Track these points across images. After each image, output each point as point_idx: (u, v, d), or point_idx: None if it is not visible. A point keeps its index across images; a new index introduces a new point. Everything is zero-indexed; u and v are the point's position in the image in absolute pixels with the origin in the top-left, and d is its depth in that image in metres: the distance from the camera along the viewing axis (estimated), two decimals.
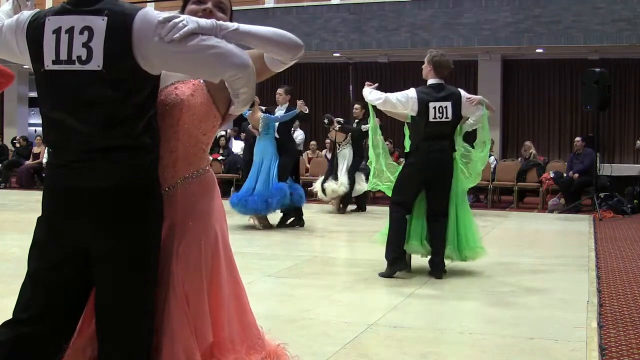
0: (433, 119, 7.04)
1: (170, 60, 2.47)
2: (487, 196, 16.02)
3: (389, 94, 7.20)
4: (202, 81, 2.73)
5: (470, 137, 7.73)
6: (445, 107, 7.07)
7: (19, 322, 2.54)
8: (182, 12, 2.76)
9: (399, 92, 7.25)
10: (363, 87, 7.51)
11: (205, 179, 2.83)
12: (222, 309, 2.77)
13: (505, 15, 16.66)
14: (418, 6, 17.26)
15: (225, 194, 17.46)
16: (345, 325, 5.20)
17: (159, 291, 2.63)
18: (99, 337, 2.57)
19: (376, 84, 7.45)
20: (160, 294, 2.63)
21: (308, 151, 17.47)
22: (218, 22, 2.51)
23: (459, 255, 7.15)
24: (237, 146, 18.44)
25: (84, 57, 2.43)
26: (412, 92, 7.13)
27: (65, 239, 2.54)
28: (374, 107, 7.45)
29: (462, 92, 7.30)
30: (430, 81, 7.20)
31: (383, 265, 7.04)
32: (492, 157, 15.85)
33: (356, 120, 13.74)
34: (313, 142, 17.74)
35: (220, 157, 18.11)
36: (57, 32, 2.46)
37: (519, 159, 16.96)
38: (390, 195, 7.50)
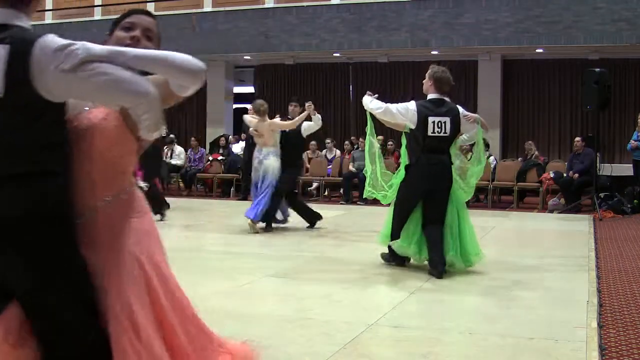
0: (432, 133, 7.17)
1: (66, 87, 2.42)
2: (487, 196, 16.01)
3: (389, 104, 7.33)
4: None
5: None
6: (445, 122, 7.20)
7: None
8: (110, 36, 2.76)
9: (399, 104, 7.38)
10: (364, 92, 7.68)
11: (126, 201, 2.79)
12: (168, 324, 2.73)
13: (505, 16, 16.66)
14: (418, 6, 17.25)
15: (225, 194, 17.52)
16: (345, 325, 5.20)
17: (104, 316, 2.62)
18: None
19: (376, 95, 7.58)
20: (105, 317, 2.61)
21: (308, 151, 17.47)
22: (118, 48, 2.49)
23: (463, 262, 7.23)
24: (238, 147, 18.44)
25: None
26: (412, 105, 7.27)
27: None
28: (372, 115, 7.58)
29: (461, 108, 7.45)
30: (430, 96, 7.32)
31: (382, 265, 7.04)
32: (491, 157, 15.87)
33: None
34: (313, 142, 17.73)
35: (220, 157, 18.13)
36: None
37: (519, 159, 16.97)
38: (385, 203, 7.72)
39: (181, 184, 18.63)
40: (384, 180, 7.61)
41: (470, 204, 7.76)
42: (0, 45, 2.40)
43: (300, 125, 10.84)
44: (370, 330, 5.11)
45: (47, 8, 20.32)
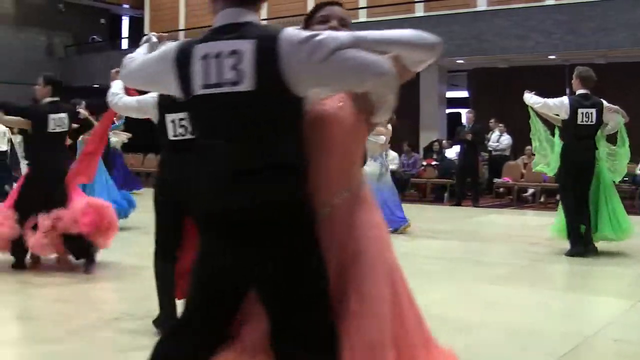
0: (581, 122, 8.62)
1: (316, 76, 2.51)
2: None
3: (547, 99, 8.79)
4: (344, 93, 2.77)
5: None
6: (591, 113, 8.65)
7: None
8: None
9: (555, 98, 8.83)
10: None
11: (361, 193, 2.85)
12: (397, 320, 2.75)
13: None
14: (638, 4, 16.45)
15: (439, 199, 17.53)
16: (559, 336, 5.12)
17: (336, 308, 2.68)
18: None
19: (534, 92, 8.92)
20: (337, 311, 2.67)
21: (523, 156, 17.14)
22: (358, 33, 2.54)
23: (616, 236, 8.65)
24: (452, 151, 18.35)
25: (234, 79, 2.52)
26: (565, 99, 8.81)
27: (221, 261, 2.65)
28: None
29: (604, 102, 8.79)
30: (578, 92, 8.75)
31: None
32: None
33: None
34: (528, 148, 17.29)
35: (434, 162, 18.15)
36: (205, 58, 2.57)
37: None
38: (550, 174, 9.57)
39: None
40: (548, 144, 9.06)
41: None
42: (245, 41, 2.52)
43: None
44: (587, 342, 4.99)
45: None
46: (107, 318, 5.65)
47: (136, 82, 3.05)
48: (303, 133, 2.63)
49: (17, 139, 22.39)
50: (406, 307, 2.79)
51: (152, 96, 4.97)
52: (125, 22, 31.35)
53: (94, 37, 28.83)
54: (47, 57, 27.16)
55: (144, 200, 14.77)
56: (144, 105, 4.99)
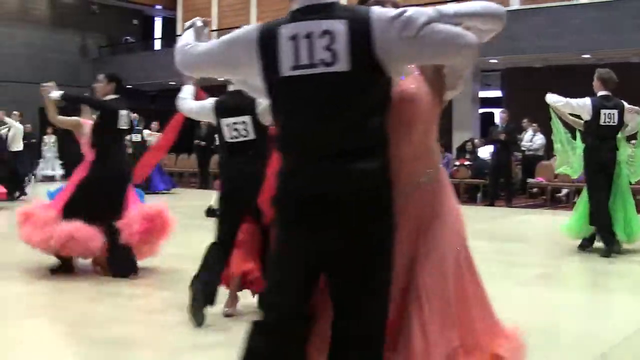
0: (603, 123, 8.69)
1: (408, 52, 2.52)
2: None
3: (569, 99, 8.86)
4: (417, 73, 2.82)
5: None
6: (613, 113, 8.72)
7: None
8: None
9: (577, 99, 8.85)
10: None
11: (440, 175, 2.90)
12: (467, 309, 2.83)
13: None
14: None
15: (472, 199, 17.45)
16: (593, 337, 5.04)
17: (403, 293, 2.74)
18: (337, 336, 2.65)
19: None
20: (404, 297, 2.74)
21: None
22: (441, 8, 2.56)
23: (628, 239, 8.68)
24: (485, 151, 18.25)
25: (328, 60, 2.50)
26: (588, 100, 8.80)
27: (307, 246, 2.63)
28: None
29: (625, 103, 8.89)
30: (600, 93, 8.79)
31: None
32: None
33: None
34: None
35: (467, 162, 18.06)
36: (294, 38, 2.53)
37: None
38: (573, 176, 9.68)
39: None
40: (569, 146, 9.20)
41: None
42: (336, 21, 2.51)
43: None
44: (626, 342, 4.92)
45: None
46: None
47: (202, 68, 2.92)
48: (388, 115, 2.62)
49: (51, 139, 22.76)
50: (471, 294, 2.86)
51: (209, 102, 5.52)
52: (158, 23, 31.57)
53: (127, 38, 29.08)
54: (80, 58, 27.47)
55: (176, 201, 15.02)
56: (203, 110, 5.56)
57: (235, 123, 5.29)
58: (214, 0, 26.23)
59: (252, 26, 2.71)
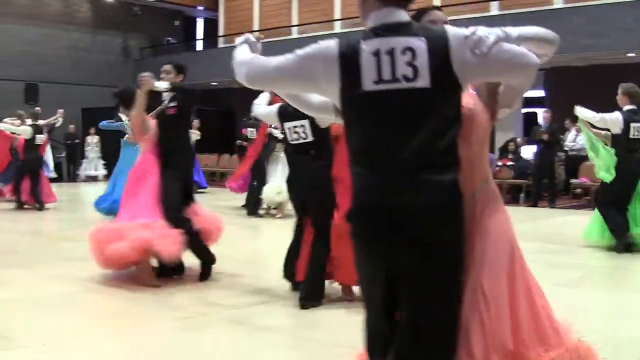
0: (633, 136, 9.09)
1: (479, 69, 2.64)
2: None
3: (603, 114, 9.15)
4: (472, 91, 2.96)
5: None
6: None
7: None
8: None
9: (609, 113, 9.16)
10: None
11: (493, 188, 3.03)
12: (519, 311, 2.86)
13: None
14: None
15: (514, 200, 17.30)
16: (629, 342, 4.98)
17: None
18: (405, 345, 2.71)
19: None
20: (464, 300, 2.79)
21: None
22: (506, 29, 2.72)
23: None
24: (528, 151, 18.09)
25: (410, 76, 2.59)
26: (619, 115, 9.13)
27: (384, 259, 2.71)
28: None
29: None
30: (626, 107, 9.15)
31: None
32: None
33: None
34: None
35: (509, 163, 17.91)
36: (376, 54, 2.62)
37: None
38: (608, 182, 9.40)
39: None
40: (609, 156, 9.20)
41: None
42: (416, 38, 2.62)
43: None
44: None
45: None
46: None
47: (273, 81, 2.93)
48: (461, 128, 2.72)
49: (94, 139, 22.98)
50: (522, 305, 2.90)
51: (275, 107, 6.21)
52: (200, 24, 31.71)
53: (169, 39, 29.28)
54: (123, 59, 27.74)
55: (212, 200, 15.11)
56: (270, 115, 6.28)
57: (295, 126, 5.97)
58: (256, 1, 26.27)
59: (330, 41, 2.75)
